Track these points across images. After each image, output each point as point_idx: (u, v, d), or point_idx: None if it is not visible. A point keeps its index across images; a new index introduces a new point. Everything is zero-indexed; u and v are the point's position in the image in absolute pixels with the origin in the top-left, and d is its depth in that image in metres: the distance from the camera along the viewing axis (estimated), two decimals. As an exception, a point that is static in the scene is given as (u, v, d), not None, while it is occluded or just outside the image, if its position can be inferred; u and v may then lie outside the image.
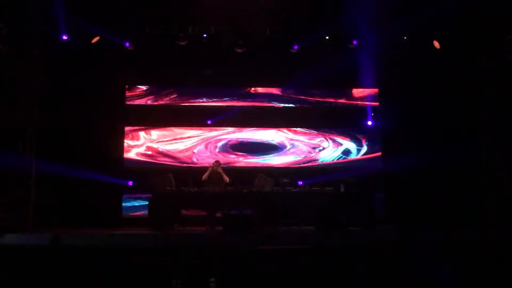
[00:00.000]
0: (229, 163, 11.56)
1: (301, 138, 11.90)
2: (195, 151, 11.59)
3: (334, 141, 11.94)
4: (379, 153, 11.86)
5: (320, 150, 11.87)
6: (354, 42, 10.72)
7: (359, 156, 11.91)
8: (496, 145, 10.26)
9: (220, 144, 11.72)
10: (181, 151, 11.55)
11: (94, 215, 10.10)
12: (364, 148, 11.93)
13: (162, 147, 11.52)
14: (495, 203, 10.09)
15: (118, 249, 5.94)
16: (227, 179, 9.85)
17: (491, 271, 5.45)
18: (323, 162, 11.83)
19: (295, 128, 11.90)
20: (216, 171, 9.93)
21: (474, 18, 9.97)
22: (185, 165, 11.45)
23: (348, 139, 11.96)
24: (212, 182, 9.83)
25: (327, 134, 11.94)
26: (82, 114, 10.64)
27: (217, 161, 10.18)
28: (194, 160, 11.53)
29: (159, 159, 11.49)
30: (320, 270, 5.51)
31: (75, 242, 6.64)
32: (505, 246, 6.08)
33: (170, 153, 11.53)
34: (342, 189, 9.77)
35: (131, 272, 5.15)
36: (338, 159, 11.87)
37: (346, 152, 11.91)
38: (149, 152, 11.47)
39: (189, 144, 11.62)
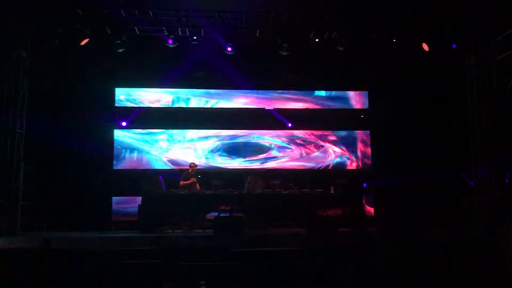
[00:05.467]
0: (220, 165, 11.55)
1: (292, 140, 11.92)
2: (184, 153, 11.57)
3: (325, 142, 11.97)
4: (370, 156, 11.92)
5: (311, 152, 11.89)
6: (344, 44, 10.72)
7: (349, 158, 11.96)
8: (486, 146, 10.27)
9: (210, 146, 11.71)
10: (170, 154, 11.54)
11: (84, 218, 10.03)
12: (355, 150, 11.99)
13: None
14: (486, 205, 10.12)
15: (108, 252, 5.91)
16: (198, 186, 9.83)
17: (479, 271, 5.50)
18: (314, 164, 11.85)
19: (286, 131, 11.92)
20: (192, 174, 9.89)
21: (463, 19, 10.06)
22: (175, 167, 11.42)
23: (340, 140, 12.01)
24: (188, 186, 9.78)
25: (317, 136, 11.98)
26: (71, 116, 10.58)
27: (193, 163, 10.10)
28: (185, 162, 11.51)
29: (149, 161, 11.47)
30: (311, 271, 5.52)
31: (64, 245, 6.59)
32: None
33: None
34: (332, 191, 9.80)
35: (121, 275, 5.12)
36: (328, 161, 11.91)
37: (337, 153, 11.95)
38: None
39: (178, 146, 11.60)
